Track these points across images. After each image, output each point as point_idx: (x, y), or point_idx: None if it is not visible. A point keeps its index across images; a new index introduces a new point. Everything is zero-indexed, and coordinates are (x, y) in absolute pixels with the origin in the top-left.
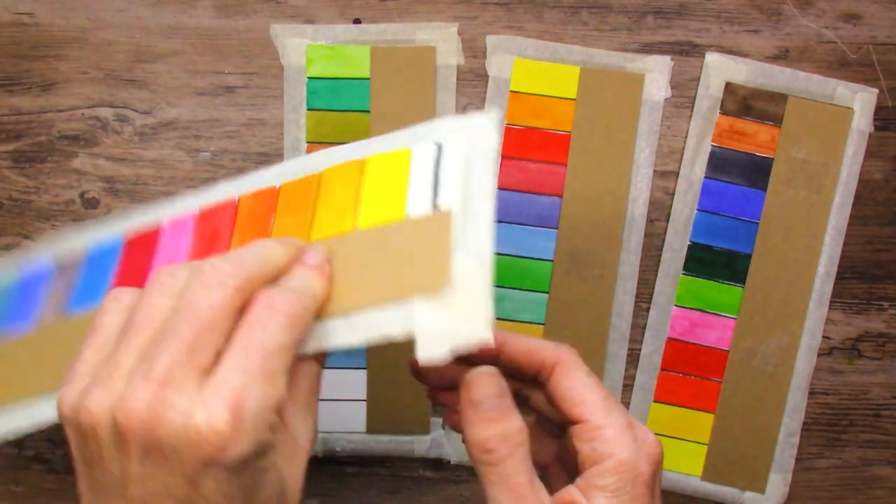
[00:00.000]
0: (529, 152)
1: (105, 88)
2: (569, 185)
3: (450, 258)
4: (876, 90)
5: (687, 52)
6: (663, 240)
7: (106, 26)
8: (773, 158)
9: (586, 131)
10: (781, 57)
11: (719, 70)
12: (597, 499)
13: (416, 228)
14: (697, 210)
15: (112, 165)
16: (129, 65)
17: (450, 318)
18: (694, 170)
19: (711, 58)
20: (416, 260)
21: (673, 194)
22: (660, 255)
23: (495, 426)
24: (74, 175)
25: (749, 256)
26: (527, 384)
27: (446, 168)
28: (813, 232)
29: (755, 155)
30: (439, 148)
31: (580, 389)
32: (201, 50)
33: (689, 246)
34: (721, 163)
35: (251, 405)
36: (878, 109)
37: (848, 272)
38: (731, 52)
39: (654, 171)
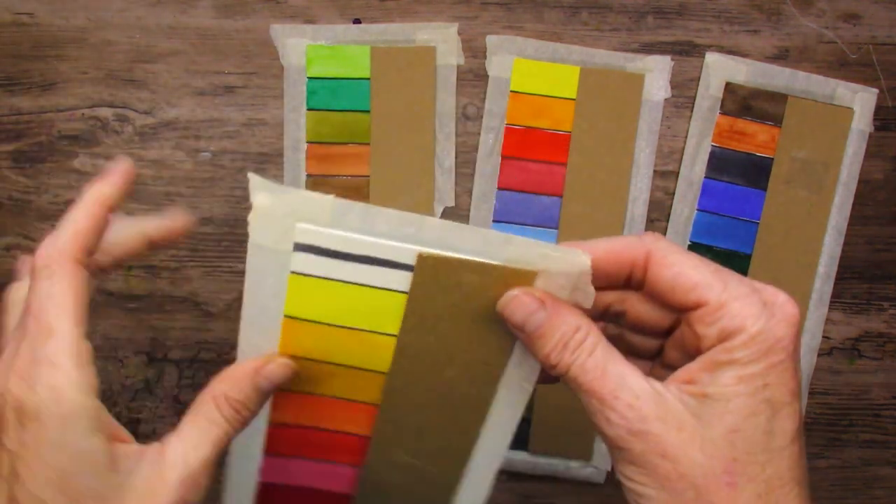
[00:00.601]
0: (529, 152)
1: (105, 88)
2: (569, 185)
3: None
4: (876, 90)
5: (687, 52)
6: None
7: (106, 26)
8: (773, 158)
9: (586, 131)
10: (781, 57)
11: (719, 70)
12: (724, 372)
13: None
14: (697, 210)
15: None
16: (129, 65)
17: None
18: (694, 170)
19: (711, 58)
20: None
21: (673, 194)
22: None
23: (548, 341)
24: (74, 175)
25: (749, 256)
26: (622, 290)
27: None
28: (813, 232)
29: (755, 155)
30: None
31: (687, 272)
32: (201, 50)
33: (689, 246)
34: (721, 163)
35: None
36: (878, 109)
37: (848, 272)
38: (731, 52)
39: (654, 171)
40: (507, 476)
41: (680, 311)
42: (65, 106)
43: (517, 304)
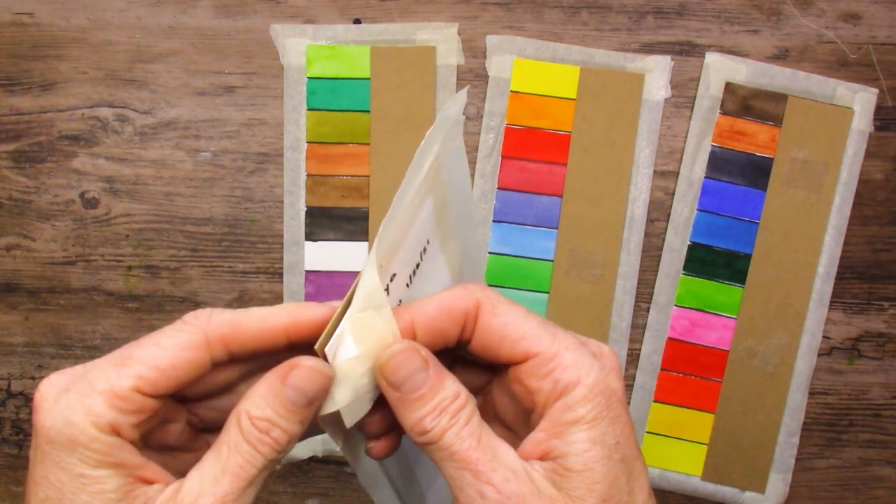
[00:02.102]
0: (529, 152)
1: (105, 88)
2: (569, 185)
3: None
4: (876, 90)
5: (687, 52)
6: (663, 240)
7: (106, 26)
8: (773, 158)
9: (586, 131)
10: (781, 57)
11: (719, 70)
12: (574, 435)
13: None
14: (697, 210)
15: (112, 165)
16: (129, 65)
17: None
18: (694, 170)
19: (711, 58)
20: None
21: (673, 194)
22: (660, 255)
23: (426, 404)
24: (74, 175)
25: (749, 256)
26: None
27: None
28: (813, 232)
29: (755, 155)
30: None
31: (516, 322)
32: (201, 50)
33: (689, 246)
34: (721, 163)
35: None
36: (878, 109)
37: (848, 272)
38: (731, 52)
39: (654, 171)
40: None
41: (509, 364)
42: (65, 106)
43: (399, 362)
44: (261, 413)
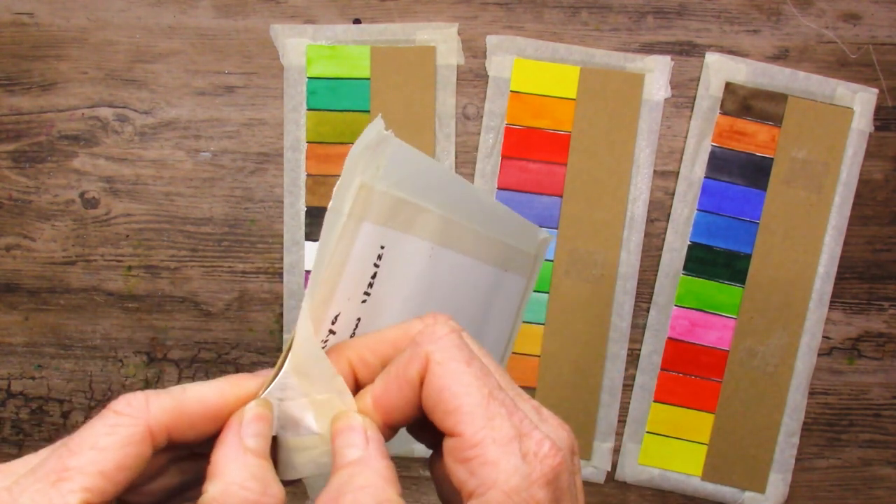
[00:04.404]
0: (529, 152)
1: (105, 88)
2: (569, 185)
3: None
4: (876, 90)
5: (687, 52)
6: (663, 240)
7: (106, 26)
8: (773, 158)
9: (586, 131)
10: (781, 57)
11: (719, 70)
12: None
13: None
14: (697, 210)
15: (112, 165)
16: (129, 65)
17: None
18: (694, 170)
19: (711, 58)
20: None
21: (673, 194)
22: (660, 255)
23: (365, 474)
24: (74, 175)
25: (749, 256)
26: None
27: None
28: (813, 232)
29: (755, 155)
30: None
31: (454, 390)
32: (201, 50)
33: (689, 246)
34: (721, 163)
35: None
36: (878, 109)
37: (848, 272)
38: (731, 52)
39: (654, 171)
40: None
41: (440, 430)
42: (65, 106)
43: (343, 436)
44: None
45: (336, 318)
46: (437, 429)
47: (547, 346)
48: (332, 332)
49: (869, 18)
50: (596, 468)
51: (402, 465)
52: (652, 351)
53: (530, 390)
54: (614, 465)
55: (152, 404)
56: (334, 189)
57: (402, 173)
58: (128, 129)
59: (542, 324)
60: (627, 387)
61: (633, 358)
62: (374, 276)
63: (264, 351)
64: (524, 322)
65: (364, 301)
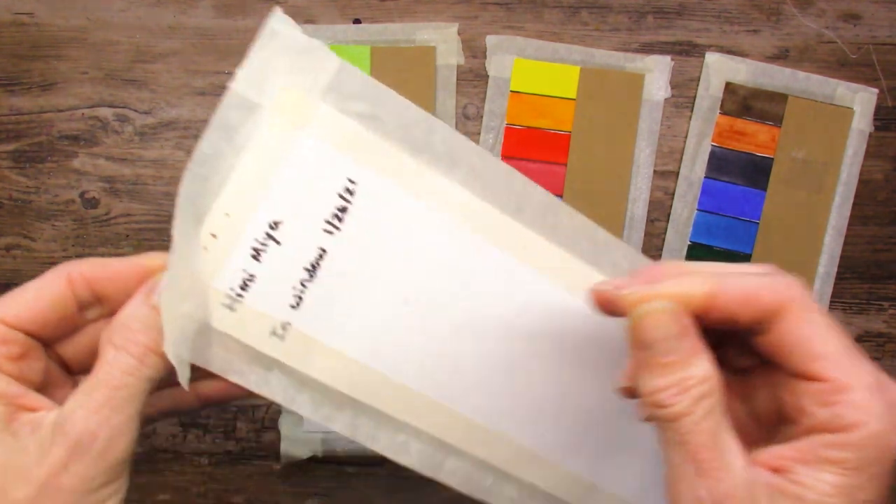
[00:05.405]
0: (529, 152)
1: (105, 88)
2: (569, 185)
3: None
4: (876, 90)
5: (687, 52)
6: (663, 240)
7: (106, 26)
8: (773, 158)
9: (586, 131)
10: (781, 57)
11: (719, 70)
12: (825, 474)
13: None
14: (697, 210)
15: (112, 165)
16: (129, 65)
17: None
18: (694, 170)
19: (711, 58)
20: None
21: (673, 194)
22: (660, 255)
23: (671, 374)
24: (74, 175)
25: (749, 256)
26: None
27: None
28: (813, 232)
29: (755, 155)
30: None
31: (818, 339)
32: (201, 50)
33: (689, 246)
34: (721, 163)
35: None
36: (878, 109)
37: (848, 272)
38: (731, 52)
39: (654, 171)
40: None
41: (791, 376)
42: (65, 106)
43: (657, 321)
44: (129, 321)
45: (276, 224)
46: (785, 370)
47: None
48: (271, 238)
49: (869, 18)
50: None
51: (402, 465)
52: None
53: None
54: None
55: (78, 262)
56: (237, 69)
57: (368, 107)
58: (128, 129)
59: None
60: None
61: None
62: (342, 210)
63: None
64: None
65: (329, 232)
